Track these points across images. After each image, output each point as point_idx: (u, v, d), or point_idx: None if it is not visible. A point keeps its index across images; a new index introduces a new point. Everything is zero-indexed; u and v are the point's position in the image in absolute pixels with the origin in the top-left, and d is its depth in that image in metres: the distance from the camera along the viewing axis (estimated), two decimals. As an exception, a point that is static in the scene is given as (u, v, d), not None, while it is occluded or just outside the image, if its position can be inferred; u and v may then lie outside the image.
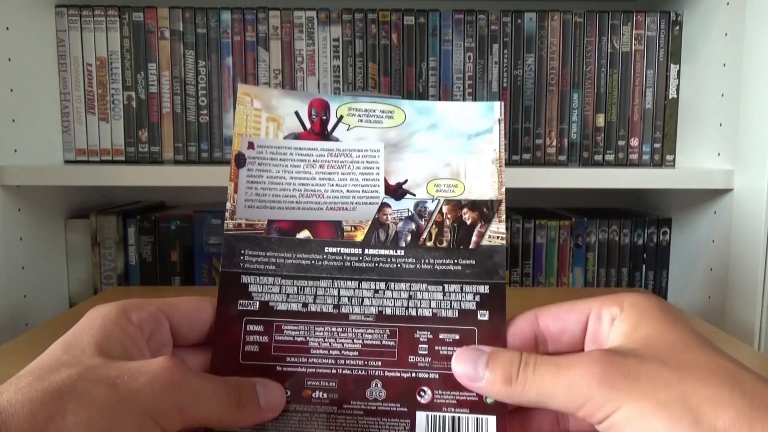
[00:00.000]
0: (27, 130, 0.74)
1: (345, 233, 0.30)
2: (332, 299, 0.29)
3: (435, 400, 0.27)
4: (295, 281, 0.29)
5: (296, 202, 0.31)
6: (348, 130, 0.32)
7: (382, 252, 0.30)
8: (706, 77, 0.77)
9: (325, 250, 0.30)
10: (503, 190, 0.31)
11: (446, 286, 0.29)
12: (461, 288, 0.29)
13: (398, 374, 0.28)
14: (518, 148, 0.82)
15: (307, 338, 0.28)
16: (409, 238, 0.30)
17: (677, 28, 0.81)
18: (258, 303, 0.29)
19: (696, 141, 0.79)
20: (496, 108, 0.32)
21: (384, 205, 0.31)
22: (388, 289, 0.29)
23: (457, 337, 0.28)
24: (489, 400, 0.27)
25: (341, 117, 0.32)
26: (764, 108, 0.66)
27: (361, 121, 0.32)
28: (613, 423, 0.22)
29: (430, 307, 0.29)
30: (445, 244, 0.30)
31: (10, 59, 0.71)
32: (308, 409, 0.27)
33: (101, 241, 0.82)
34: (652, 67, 0.81)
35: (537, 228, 0.83)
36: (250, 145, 0.31)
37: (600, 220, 0.83)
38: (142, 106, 0.80)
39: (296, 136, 0.32)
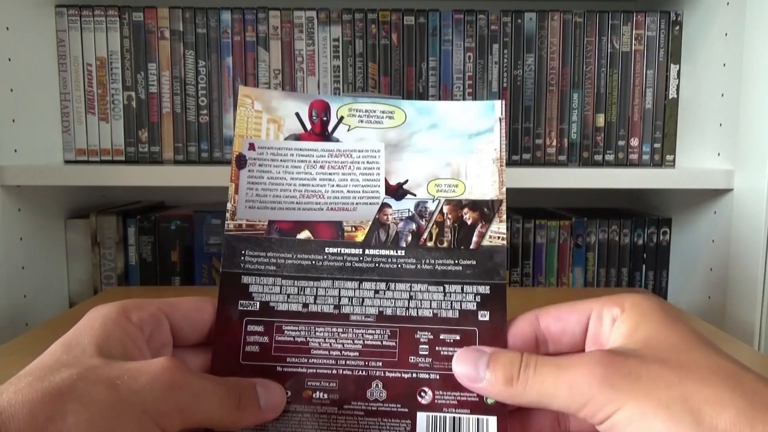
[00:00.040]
0: (27, 130, 0.74)
1: (345, 234, 0.30)
2: (333, 299, 0.29)
3: (436, 401, 0.27)
4: (296, 282, 0.29)
5: (297, 202, 0.31)
6: (348, 130, 0.32)
7: (383, 252, 0.30)
8: (706, 77, 0.77)
9: (326, 251, 0.30)
10: (504, 189, 0.31)
11: (447, 286, 0.29)
12: (462, 288, 0.29)
13: (399, 375, 0.28)
14: (518, 148, 0.82)
15: (308, 339, 0.28)
16: (409, 238, 0.30)
17: (677, 28, 0.81)
18: (258, 303, 0.29)
19: (696, 141, 0.79)
20: (497, 107, 0.32)
21: (384, 205, 0.31)
22: (388, 289, 0.29)
23: (458, 337, 0.28)
24: (489, 401, 0.27)
25: (342, 118, 0.32)
26: (764, 108, 0.66)
27: (362, 121, 0.32)
28: (614, 423, 0.22)
29: (430, 308, 0.29)
30: (445, 245, 0.30)
31: (10, 59, 0.71)
32: (309, 410, 0.27)
33: (101, 241, 0.82)
34: (652, 67, 0.81)
35: (537, 228, 0.83)
36: (251, 147, 0.31)
37: (600, 220, 0.83)
38: (142, 106, 0.80)
39: (297, 137, 0.32)
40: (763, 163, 0.66)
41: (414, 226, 0.30)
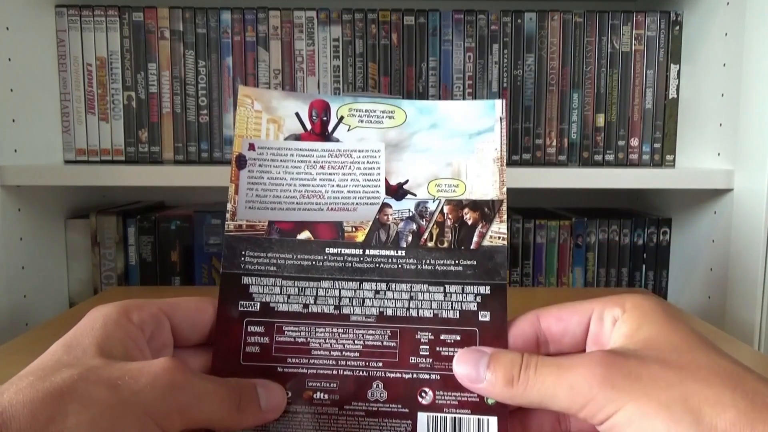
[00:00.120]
0: (27, 130, 0.74)
1: (346, 234, 0.30)
2: (333, 300, 0.29)
3: (436, 401, 0.27)
4: (296, 282, 0.29)
5: (297, 203, 0.31)
6: (349, 130, 0.32)
7: (383, 253, 0.30)
8: (706, 77, 0.77)
9: (326, 251, 0.30)
10: (505, 189, 0.31)
11: (447, 286, 0.29)
12: (462, 289, 0.29)
13: (399, 375, 0.28)
14: (518, 148, 0.82)
15: (308, 339, 0.28)
16: (410, 238, 0.30)
17: (677, 28, 0.81)
18: (259, 304, 0.29)
19: (696, 141, 0.79)
20: (498, 106, 0.32)
21: (385, 205, 0.31)
22: (389, 289, 0.29)
23: (458, 338, 0.28)
24: (490, 401, 0.27)
25: (342, 118, 0.32)
26: (764, 108, 0.66)
27: (362, 121, 0.32)
28: (615, 424, 0.22)
29: (431, 308, 0.29)
30: (446, 245, 0.30)
31: (10, 59, 0.71)
32: (309, 410, 0.27)
33: (101, 241, 0.82)
34: (652, 67, 0.81)
35: (537, 228, 0.83)
36: (251, 147, 0.31)
37: (600, 220, 0.83)
38: (142, 106, 0.80)
39: (297, 137, 0.32)
40: (763, 163, 0.66)
41: (414, 227, 0.30)
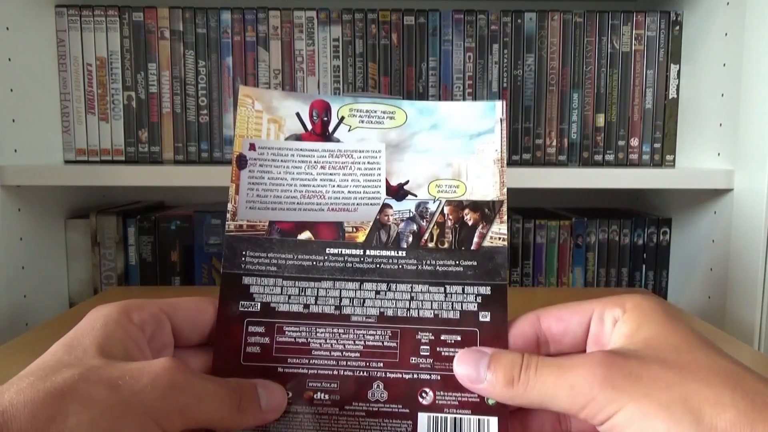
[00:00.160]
0: (27, 130, 0.74)
1: (346, 234, 0.30)
2: (334, 300, 0.29)
3: (437, 402, 0.27)
4: (297, 282, 0.29)
5: (297, 203, 0.31)
6: (349, 131, 0.32)
7: (384, 253, 0.30)
8: (706, 77, 0.77)
9: (327, 251, 0.30)
10: (505, 190, 0.31)
11: (448, 287, 0.29)
12: (463, 289, 0.29)
13: (400, 375, 0.28)
14: (518, 148, 0.82)
15: (309, 339, 0.28)
16: (410, 239, 0.30)
17: (677, 28, 0.81)
18: (259, 304, 0.29)
19: (696, 141, 0.79)
20: (498, 107, 0.32)
21: (385, 206, 0.31)
22: (389, 290, 0.29)
23: (459, 338, 0.28)
24: (491, 402, 0.27)
25: (342, 118, 0.32)
26: (764, 108, 0.66)
27: (363, 121, 0.32)
28: (615, 424, 0.22)
29: (431, 309, 0.29)
30: (446, 245, 0.30)
31: (10, 59, 0.71)
32: (310, 411, 0.27)
33: (101, 241, 0.82)
34: (652, 67, 0.81)
35: (537, 228, 0.83)
36: (252, 147, 0.31)
37: (600, 220, 0.83)
38: (142, 106, 0.80)
39: (297, 138, 0.32)
40: (763, 163, 0.66)
41: (415, 227, 0.30)
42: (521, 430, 0.28)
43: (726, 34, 0.73)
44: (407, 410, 0.27)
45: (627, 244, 0.84)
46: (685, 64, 0.81)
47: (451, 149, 0.32)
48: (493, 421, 0.26)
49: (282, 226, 0.30)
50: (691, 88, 0.80)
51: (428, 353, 0.28)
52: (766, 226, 0.65)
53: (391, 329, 0.28)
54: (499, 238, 0.30)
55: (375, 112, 0.33)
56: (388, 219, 0.31)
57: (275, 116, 0.32)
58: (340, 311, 0.29)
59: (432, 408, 0.27)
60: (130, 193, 0.96)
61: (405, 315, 0.29)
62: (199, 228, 0.82)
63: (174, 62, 0.80)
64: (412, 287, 0.29)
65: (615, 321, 0.26)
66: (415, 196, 0.31)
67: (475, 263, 0.30)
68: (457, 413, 0.27)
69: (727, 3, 0.72)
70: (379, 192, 0.31)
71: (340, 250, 0.30)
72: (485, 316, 0.28)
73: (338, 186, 0.31)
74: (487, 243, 0.30)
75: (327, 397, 0.27)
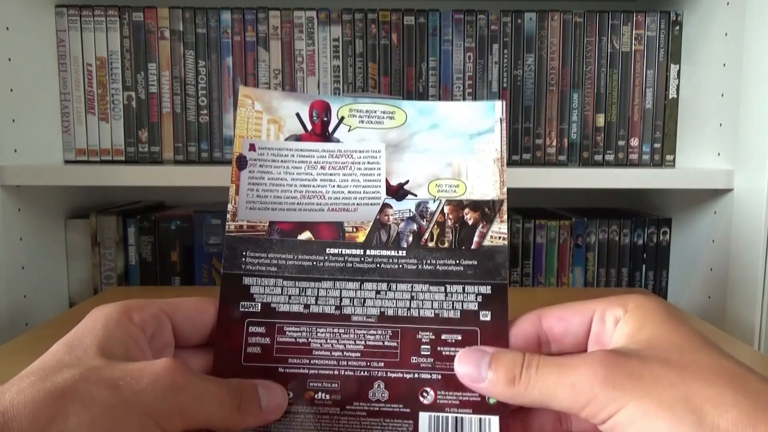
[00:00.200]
0: (27, 130, 0.74)
1: (346, 234, 0.30)
2: (334, 300, 0.29)
3: (438, 401, 0.27)
4: (297, 282, 0.29)
5: (297, 203, 0.31)
6: (349, 131, 0.32)
7: (384, 253, 0.30)
8: (706, 77, 0.77)
9: (327, 252, 0.30)
10: (505, 189, 0.31)
11: (448, 286, 0.29)
12: (463, 288, 0.29)
13: (401, 375, 0.28)
14: (518, 148, 0.82)
15: (309, 339, 0.28)
16: (410, 238, 0.30)
17: (677, 28, 0.81)
18: (260, 304, 0.29)
19: (696, 141, 0.79)
20: (498, 107, 0.32)
21: (385, 205, 0.31)
22: (390, 289, 0.29)
23: (460, 337, 0.28)
24: (492, 401, 0.27)
25: (342, 118, 0.32)
26: (764, 108, 0.66)
27: (362, 122, 0.32)
28: (616, 423, 0.22)
29: (432, 308, 0.29)
30: (446, 245, 0.30)
31: (10, 59, 0.71)
32: (311, 411, 0.27)
33: (101, 241, 0.82)
34: (652, 67, 0.81)
35: (537, 228, 0.83)
36: (252, 147, 0.31)
37: (600, 220, 0.83)
38: (142, 106, 0.80)
39: (297, 138, 0.32)
40: (763, 163, 0.66)
41: (415, 227, 0.30)
42: (522, 429, 0.28)
43: (726, 34, 0.73)
44: (408, 410, 0.27)
45: (627, 244, 0.84)
46: (685, 64, 0.81)
47: (451, 149, 0.32)
48: (495, 420, 0.26)
49: (282, 226, 0.30)
50: (691, 88, 0.80)
51: (429, 353, 0.28)
52: (766, 226, 0.65)
53: (392, 329, 0.28)
54: (500, 238, 0.30)
55: (375, 112, 0.33)
56: (388, 219, 0.31)
57: (275, 116, 0.32)
58: (340, 311, 0.29)
59: (433, 407, 0.27)
60: (130, 193, 0.96)
61: (405, 315, 0.29)
62: (199, 228, 0.82)
63: (174, 62, 0.80)
64: (412, 287, 0.29)
65: (617, 321, 0.26)
66: (415, 195, 0.31)
67: (476, 262, 0.30)
68: (458, 412, 0.27)
69: (727, 3, 0.72)
70: (379, 192, 0.31)
71: (340, 250, 0.30)
72: (486, 316, 0.28)
73: (338, 186, 0.31)
74: (487, 242, 0.30)
75: (328, 397, 0.27)
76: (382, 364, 0.28)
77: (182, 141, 0.81)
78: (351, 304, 0.29)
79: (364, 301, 0.29)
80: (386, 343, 0.28)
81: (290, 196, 0.31)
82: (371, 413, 0.27)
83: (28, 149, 0.74)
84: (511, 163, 0.82)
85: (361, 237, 0.30)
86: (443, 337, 0.28)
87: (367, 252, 0.30)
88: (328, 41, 0.80)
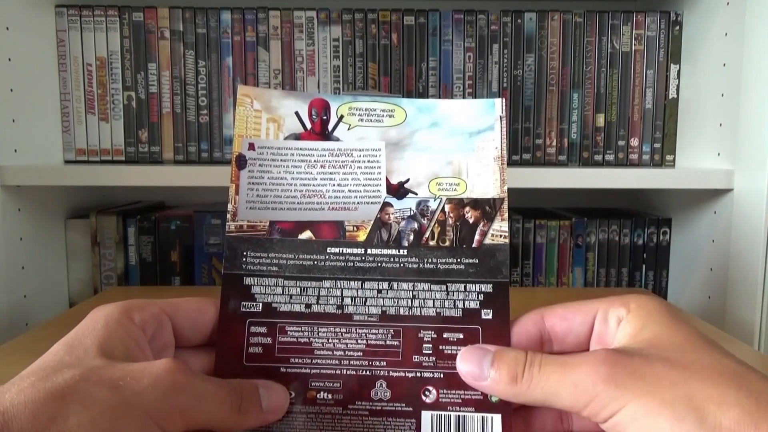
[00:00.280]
0: (27, 130, 0.74)
1: (347, 233, 0.30)
2: (335, 300, 0.29)
3: (440, 400, 0.27)
4: (298, 282, 0.29)
5: (298, 202, 0.31)
6: (349, 129, 0.32)
7: (385, 252, 0.30)
8: (706, 77, 0.77)
9: (328, 251, 0.30)
10: (505, 187, 0.31)
11: (449, 285, 0.29)
12: (464, 287, 0.29)
13: (403, 374, 0.28)
14: (518, 148, 0.82)
15: (311, 339, 0.28)
16: (411, 237, 0.30)
17: (677, 28, 0.81)
18: (261, 304, 0.29)
19: (696, 141, 0.79)
20: (497, 105, 0.32)
21: (386, 204, 0.31)
22: (391, 288, 0.29)
23: (461, 336, 0.28)
24: (494, 399, 0.26)
25: (342, 116, 0.32)
26: (764, 108, 0.66)
27: (362, 120, 0.32)
28: (618, 422, 0.22)
29: (433, 307, 0.29)
30: (447, 243, 0.30)
31: (10, 59, 0.71)
32: (313, 410, 0.27)
33: (101, 241, 0.82)
34: (652, 67, 0.81)
35: (537, 228, 0.83)
36: (251, 147, 0.31)
37: (600, 220, 0.83)
38: (142, 106, 0.80)
39: (297, 137, 0.32)
40: (763, 163, 0.66)
41: (416, 225, 0.30)
42: (524, 427, 0.28)
43: (726, 34, 0.73)
44: (410, 409, 0.27)
45: (627, 244, 0.84)
46: (685, 64, 0.81)
47: (451, 147, 0.32)
48: (497, 418, 0.26)
49: (282, 225, 0.30)
50: (691, 88, 0.80)
51: (431, 351, 0.28)
52: (766, 226, 0.65)
53: (394, 328, 0.28)
54: (500, 236, 0.30)
55: (374, 110, 0.32)
56: (388, 218, 0.31)
57: (274, 115, 0.32)
58: (342, 310, 0.29)
59: (435, 406, 0.27)
60: (130, 193, 0.96)
61: (407, 313, 0.29)
62: (199, 228, 0.81)
63: (174, 62, 0.80)
64: (413, 285, 0.29)
65: (619, 320, 0.26)
66: (416, 194, 0.31)
67: (477, 261, 0.29)
68: (460, 411, 0.27)
69: (727, 3, 0.72)
70: (379, 190, 0.31)
71: (341, 249, 0.30)
72: (487, 314, 0.28)
73: (338, 185, 0.31)
74: (488, 240, 0.30)
75: (330, 396, 0.27)
76: (384, 364, 0.28)
77: (182, 141, 0.81)
78: (352, 303, 0.29)
79: (366, 301, 0.29)
80: (388, 342, 0.28)
81: (290, 195, 0.31)
82: (373, 412, 0.27)
83: (28, 149, 0.74)
84: (511, 163, 0.82)
85: (361, 236, 0.30)
86: (445, 335, 0.28)
87: (368, 251, 0.30)
88: (328, 41, 0.80)
